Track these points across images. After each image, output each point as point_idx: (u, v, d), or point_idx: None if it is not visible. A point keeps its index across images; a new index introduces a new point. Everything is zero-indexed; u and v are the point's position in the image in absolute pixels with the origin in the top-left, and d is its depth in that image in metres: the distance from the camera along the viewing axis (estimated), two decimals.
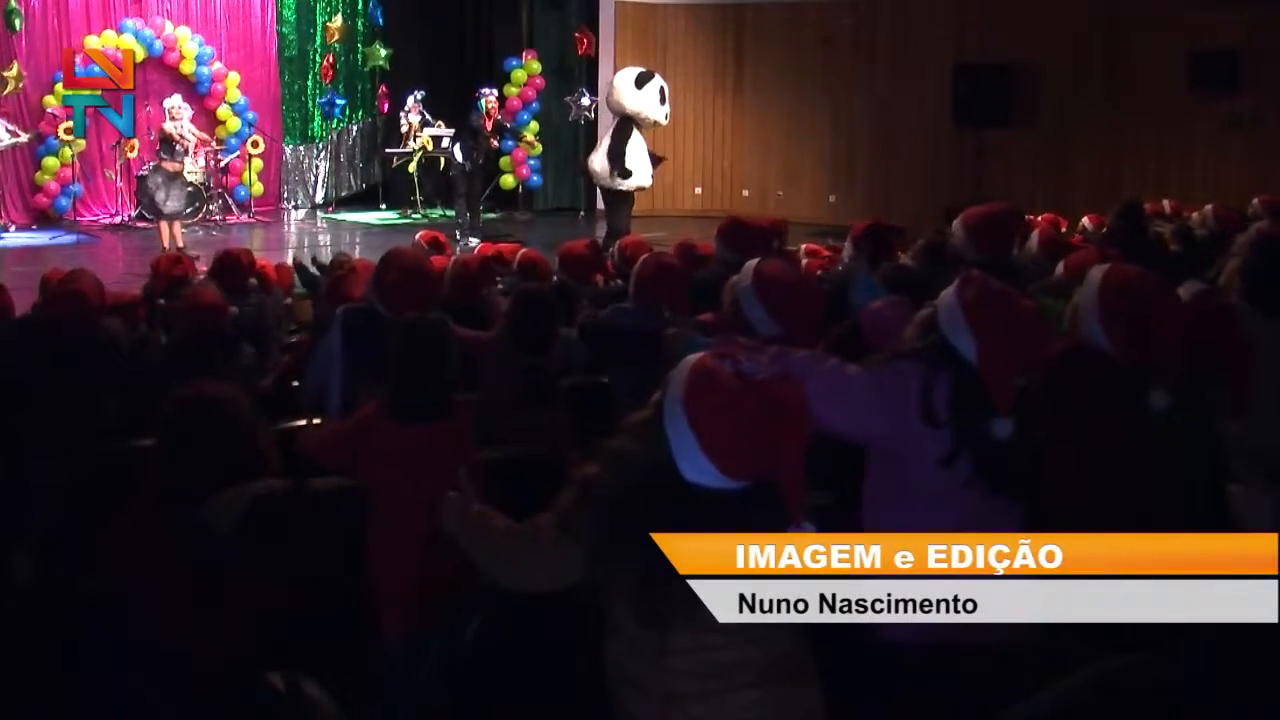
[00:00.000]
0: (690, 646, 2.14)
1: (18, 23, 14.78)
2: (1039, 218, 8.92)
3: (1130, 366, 3.04)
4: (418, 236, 7.82)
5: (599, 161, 13.37)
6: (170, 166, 13.39)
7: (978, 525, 2.58)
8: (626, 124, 13.25)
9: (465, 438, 3.46)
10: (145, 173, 14.03)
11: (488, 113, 14.60)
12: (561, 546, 2.28)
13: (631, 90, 13.28)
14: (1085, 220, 9.65)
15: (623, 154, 13.13)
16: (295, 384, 5.03)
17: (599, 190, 14.23)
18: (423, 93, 16.63)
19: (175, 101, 14.28)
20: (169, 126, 13.85)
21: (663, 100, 13.57)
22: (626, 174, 13.14)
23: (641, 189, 13.64)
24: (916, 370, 2.61)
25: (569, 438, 4.12)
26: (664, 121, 13.68)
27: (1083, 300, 3.15)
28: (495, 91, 15.22)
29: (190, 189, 14.15)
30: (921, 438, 2.57)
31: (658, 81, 13.53)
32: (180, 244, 12.51)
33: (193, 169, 14.29)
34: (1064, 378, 3.05)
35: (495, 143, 14.83)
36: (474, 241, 12.93)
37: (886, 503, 2.64)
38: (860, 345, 3.42)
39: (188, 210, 14.09)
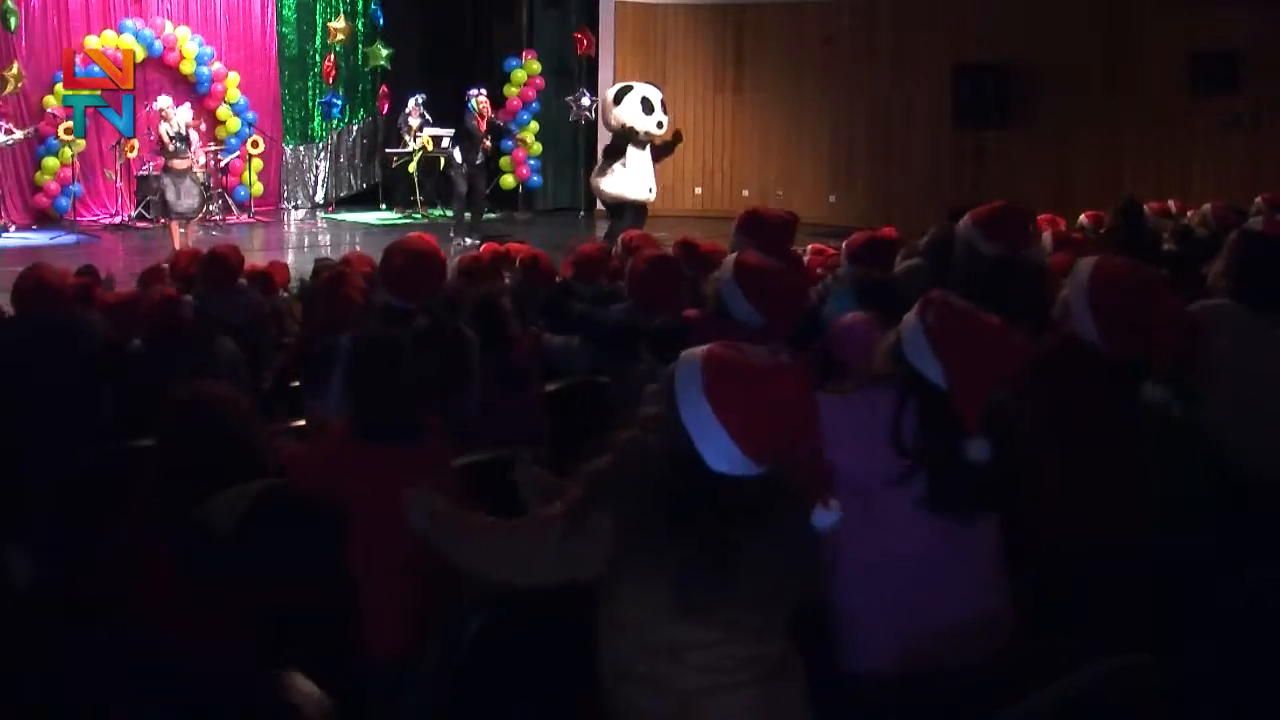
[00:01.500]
0: (713, 640, 2.16)
1: (13, 21, 14.76)
2: (1039, 218, 8.92)
3: (1120, 359, 3.02)
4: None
5: (595, 175, 13.60)
6: (179, 164, 13.22)
7: (941, 553, 2.58)
8: (617, 140, 13.31)
9: (440, 461, 3.25)
10: (146, 173, 13.93)
11: (480, 113, 14.57)
12: (569, 543, 2.26)
13: (612, 106, 13.36)
14: (1083, 217, 9.66)
15: (606, 171, 13.29)
16: (294, 384, 5.03)
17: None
18: (423, 96, 16.63)
19: (163, 103, 13.99)
20: (163, 128, 13.70)
21: (648, 110, 13.45)
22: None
23: (639, 202, 13.70)
24: (888, 398, 2.58)
25: (553, 438, 4.12)
26: (655, 130, 13.44)
27: (1072, 293, 3.11)
28: (484, 92, 15.08)
29: (200, 187, 13.96)
30: (889, 466, 2.54)
31: (638, 92, 13.47)
32: (189, 244, 12.31)
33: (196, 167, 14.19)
34: (1054, 373, 3.03)
35: (488, 142, 14.70)
36: (469, 241, 12.96)
37: (850, 532, 2.61)
38: (831, 361, 3.38)
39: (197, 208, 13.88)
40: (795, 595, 2.24)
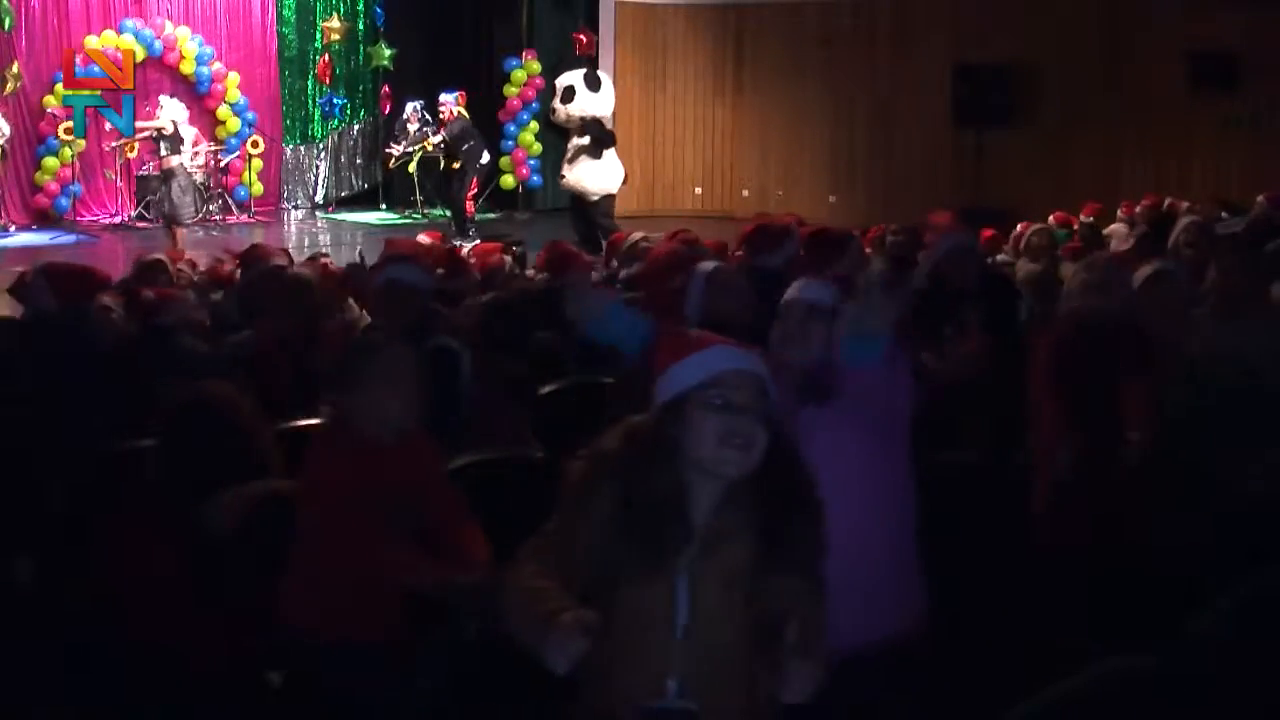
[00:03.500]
0: None
1: (8, 22, 14.74)
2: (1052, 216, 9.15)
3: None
4: (419, 237, 7.83)
5: None
6: (171, 164, 13.12)
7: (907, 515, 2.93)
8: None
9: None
10: (146, 173, 13.80)
11: (441, 122, 15.00)
12: None
13: None
14: (1083, 214, 9.76)
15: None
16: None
17: None
18: (422, 102, 16.62)
19: (162, 102, 13.95)
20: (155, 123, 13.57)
21: (550, 95, 14.92)
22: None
23: (582, 194, 14.47)
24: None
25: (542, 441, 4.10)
26: (554, 118, 14.78)
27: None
28: (450, 99, 15.28)
29: (194, 188, 13.86)
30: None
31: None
32: (182, 247, 12.16)
33: (191, 166, 14.11)
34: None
35: (400, 139, 15.82)
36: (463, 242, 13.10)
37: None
38: None
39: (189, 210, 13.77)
40: None
